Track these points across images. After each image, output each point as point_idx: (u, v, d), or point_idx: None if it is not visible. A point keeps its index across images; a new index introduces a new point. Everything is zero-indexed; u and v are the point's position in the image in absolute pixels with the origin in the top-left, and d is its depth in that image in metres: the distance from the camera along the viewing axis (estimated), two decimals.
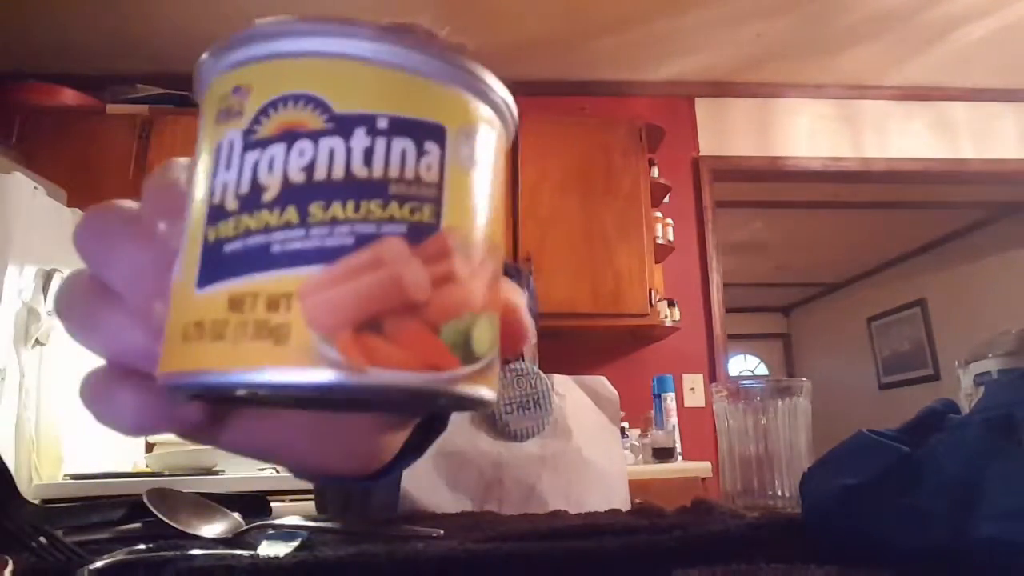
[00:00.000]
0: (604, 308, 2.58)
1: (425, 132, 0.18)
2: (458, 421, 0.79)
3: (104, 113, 2.66)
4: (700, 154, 3.16)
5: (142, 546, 0.39)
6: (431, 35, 0.22)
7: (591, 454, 0.83)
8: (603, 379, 0.93)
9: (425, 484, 0.76)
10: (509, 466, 0.78)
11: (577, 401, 0.87)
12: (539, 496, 0.78)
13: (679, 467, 2.31)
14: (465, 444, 0.78)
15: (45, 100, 2.67)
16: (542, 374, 0.85)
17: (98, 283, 0.23)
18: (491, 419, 0.80)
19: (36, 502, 1.88)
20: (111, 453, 2.30)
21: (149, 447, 2.56)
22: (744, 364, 7.32)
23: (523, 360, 0.85)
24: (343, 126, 0.18)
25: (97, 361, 0.23)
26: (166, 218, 0.21)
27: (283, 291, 0.17)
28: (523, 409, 0.81)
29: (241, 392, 0.18)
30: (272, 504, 0.67)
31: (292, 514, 0.58)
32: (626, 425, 2.52)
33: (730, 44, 2.93)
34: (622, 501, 0.81)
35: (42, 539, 0.40)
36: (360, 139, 0.18)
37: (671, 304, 2.75)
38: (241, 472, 2.15)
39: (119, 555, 0.36)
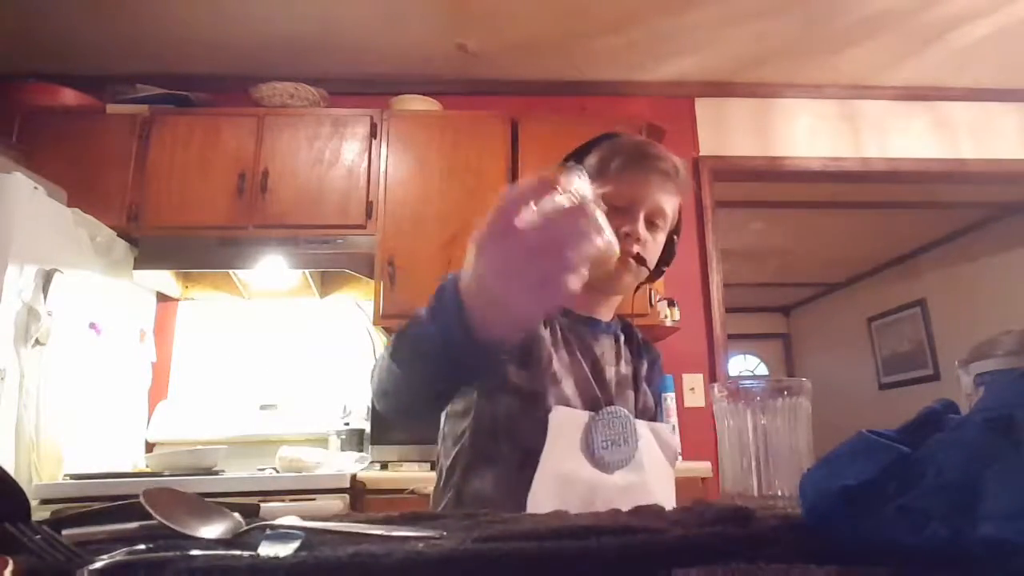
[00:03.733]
0: None
1: None
2: (568, 451, 0.93)
3: (104, 113, 2.66)
4: (700, 154, 3.16)
5: (142, 546, 0.39)
6: None
7: (655, 487, 0.97)
8: (669, 426, 1.09)
9: (540, 499, 0.88)
10: (601, 490, 0.91)
11: (649, 441, 1.01)
12: None
13: (679, 467, 2.28)
14: (572, 470, 0.91)
15: (45, 100, 2.67)
16: (631, 417, 0.99)
17: None
18: (591, 452, 0.93)
19: (35, 502, 1.88)
20: (111, 453, 2.30)
21: (149, 447, 2.56)
22: (744, 364, 7.33)
23: (616, 405, 0.99)
24: None
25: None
26: None
27: None
28: (615, 446, 0.95)
29: None
30: (270, 505, 0.67)
31: (289, 515, 0.58)
32: None
33: (730, 44, 2.93)
34: None
35: (42, 539, 0.40)
36: None
37: (671, 304, 2.75)
38: (241, 472, 2.15)
39: (119, 555, 0.36)
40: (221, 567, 0.35)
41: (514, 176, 2.67)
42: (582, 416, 0.95)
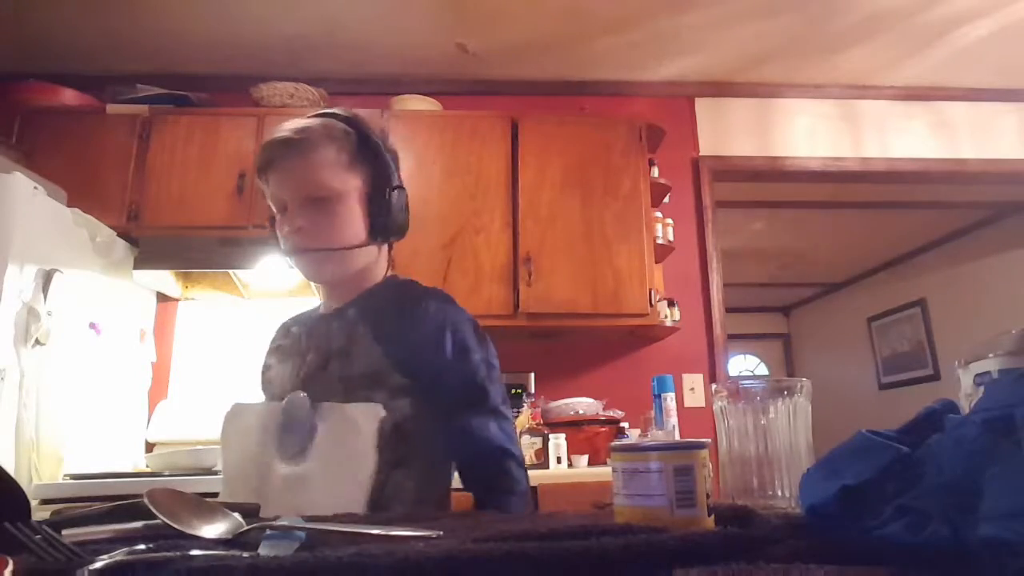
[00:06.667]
0: (604, 308, 2.58)
1: None
2: (251, 434, 0.98)
3: (104, 113, 2.66)
4: (700, 154, 3.16)
5: (142, 546, 0.39)
6: None
7: (323, 478, 0.92)
8: (362, 408, 0.95)
9: (226, 493, 0.98)
10: (266, 481, 0.93)
11: (332, 423, 0.95)
12: (296, 501, 0.88)
13: None
14: (253, 454, 0.97)
15: (45, 100, 2.67)
16: (307, 402, 0.96)
17: None
18: (273, 438, 0.96)
19: (35, 502, 1.88)
20: (111, 453, 2.30)
21: (149, 447, 2.56)
22: (744, 364, 7.32)
23: (299, 391, 0.98)
24: None
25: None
26: None
27: None
28: (287, 433, 0.95)
29: None
30: None
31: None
32: (626, 425, 2.52)
33: (730, 44, 2.93)
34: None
35: (42, 539, 0.40)
36: None
37: (671, 304, 2.75)
38: None
39: (119, 555, 0.36)
40: (221, 567, 0.35)
41: (514, 176, 2.67)
42: (257, 408, 1.02)
